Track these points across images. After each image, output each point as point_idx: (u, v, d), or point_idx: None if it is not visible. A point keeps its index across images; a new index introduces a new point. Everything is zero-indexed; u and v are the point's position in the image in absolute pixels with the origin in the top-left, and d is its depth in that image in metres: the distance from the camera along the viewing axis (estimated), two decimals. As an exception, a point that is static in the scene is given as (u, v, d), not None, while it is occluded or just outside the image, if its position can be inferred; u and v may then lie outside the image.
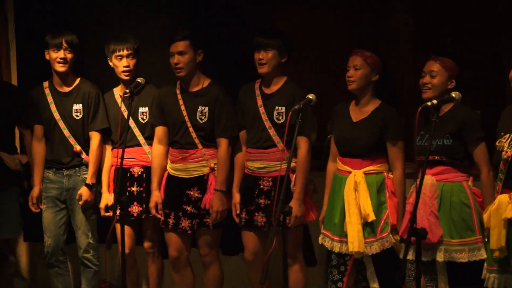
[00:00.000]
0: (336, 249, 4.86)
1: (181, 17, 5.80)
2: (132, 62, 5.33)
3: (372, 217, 4.73)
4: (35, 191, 5.59)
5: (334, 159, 5.03)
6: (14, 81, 6.20)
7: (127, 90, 4.90)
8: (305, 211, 5.02)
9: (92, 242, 5.60)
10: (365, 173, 4.80)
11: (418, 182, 4.12)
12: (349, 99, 4.99)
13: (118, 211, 5.04)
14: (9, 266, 6.06)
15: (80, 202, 5.48)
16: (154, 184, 5.29)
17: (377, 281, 4.82)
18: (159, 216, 5.30)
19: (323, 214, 5.03)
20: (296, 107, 4.36)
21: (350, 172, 4.83)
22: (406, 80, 5.59)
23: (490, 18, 5.41)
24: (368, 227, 4.77)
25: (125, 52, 5.31)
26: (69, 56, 5.43)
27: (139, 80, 5.02)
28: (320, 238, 5.00)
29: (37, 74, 5.61)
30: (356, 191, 4.77)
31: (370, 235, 4.77)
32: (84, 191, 5.48)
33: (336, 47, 5.81)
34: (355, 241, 4.73)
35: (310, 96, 4.48)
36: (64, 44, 5.40)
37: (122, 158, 4.85)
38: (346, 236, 4.79)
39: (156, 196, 5.28)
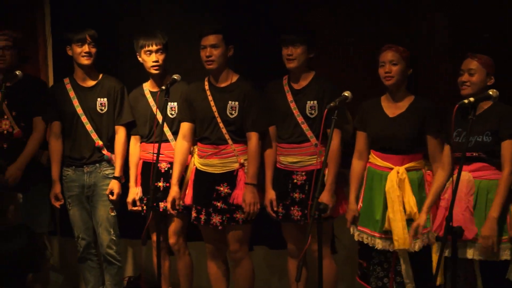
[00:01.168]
0: (379, 246, 4.84)
1: (209, 12, 5.79)
2: (161, 57, 5.34)
3: (418, 215, 4.72)
4: (57, 188, 5.61)
5: (360, 156, 5.00)
6: (51, 78, 6.26)
7: (163, 87, 4.89)
8: (337, 203, 5.03)
9: (114, 238, 5.61)
10: (406, 170, 4.78)
11: (455, 178, 4.10)
12: (368, 96, 4.99)
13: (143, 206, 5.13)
14: (47, 261, 6.12)
15: (113, 197, 5.51)
16: (175, 180, 5.29)
17: (412, 277, 4.81)
18: (173, 212, 5.32)
19: (351, 214, 4.97)
20: (332, 104, 4.34)
21: (390, 168, 4.80)
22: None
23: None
24: (411, 224, 4.74)
25: (154, 47, 5.32)
26: (92, 50, 5.46)
27: (175, 77, 4.98)
28: (356, 235, 4.97)
29: (73, 71, 5.62)
30: (399, 188, 4.76)
31: None
32: (114, 185, 5.52)
33: (354, 46, 5.75)
34: (400, 238, 4.72)
35: (346, 93, 4.45)
36: (88, 39, 5.44)
37: (158, 154, 4.85)
38: (388, 232, 4.77)
39: (175, 191, 5.28)
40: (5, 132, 5.61)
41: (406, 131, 4.78)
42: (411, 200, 4.74)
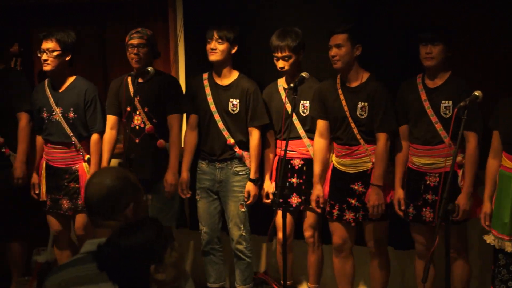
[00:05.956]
0: (509, 249, 4.71)
1: (344, 11, 5.75)
2: (288, 62, 5.36)
3: None
4: (184, 177, 5.66)
5: (495, 155, 4.86)
6: (182, 75, 6.31)
7: (292, 85, 4.93)
8: (473, 206, 4.93)
9: (244, 234, 5.65)
10: None
11: None
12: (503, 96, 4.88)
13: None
14: (174, 253, 6.19)
15: (249, 201, 5.55)
16: (317, 178, 5.34)
17: None
18: (318, 210, 5.37)
19: (485, 211, 4.85)
20: (461, 104, 4.33)
21: None
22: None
23: None
24: None
25: (280, 55, 5.36)
26: (220, 47, 5.48)
27: (304, 75, 5.00)
28: (488, 238, 4.86)
29: (204, 68, 5.70)
30: None
31: None
32: (250, 187, 5.56)
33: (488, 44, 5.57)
34: None
35: (477, 93, 4.43)
36: (215, 36, 5.46)
37: (286, 150, 4.84)
38: None
39: (319, 189, 5.33)
40: (137, 127, 5.69)
41: None
42: None
